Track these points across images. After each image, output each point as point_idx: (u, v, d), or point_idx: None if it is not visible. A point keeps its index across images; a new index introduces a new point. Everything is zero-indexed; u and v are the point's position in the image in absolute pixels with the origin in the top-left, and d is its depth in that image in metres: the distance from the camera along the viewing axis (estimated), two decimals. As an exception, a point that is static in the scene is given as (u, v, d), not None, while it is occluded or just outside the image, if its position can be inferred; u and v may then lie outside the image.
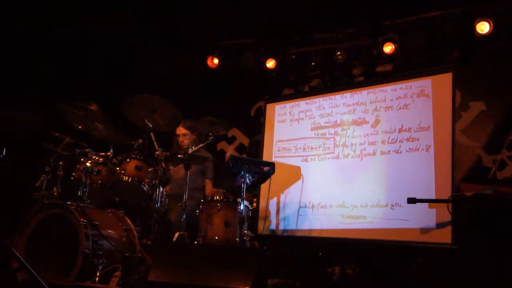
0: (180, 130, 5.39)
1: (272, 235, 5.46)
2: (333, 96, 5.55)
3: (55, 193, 4.52)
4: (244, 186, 4.41)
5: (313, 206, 5.29)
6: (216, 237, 4.38)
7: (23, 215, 4.12)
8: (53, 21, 6.02)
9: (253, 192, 5.35)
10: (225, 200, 4.55)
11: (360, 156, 5.14)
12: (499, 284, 3.49)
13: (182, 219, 4.56)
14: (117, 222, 4.34)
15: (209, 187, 5.44)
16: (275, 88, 6.78)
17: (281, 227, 5.44)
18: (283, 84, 6.83)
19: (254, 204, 5.39)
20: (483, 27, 5.30)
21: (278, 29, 6.39)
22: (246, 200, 4.54)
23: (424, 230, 4.55)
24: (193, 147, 5.13)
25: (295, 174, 5.47)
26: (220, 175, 4.98)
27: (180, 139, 5.44)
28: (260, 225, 5.40)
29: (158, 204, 4.57)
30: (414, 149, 4.83)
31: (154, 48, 6.62)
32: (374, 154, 5.06)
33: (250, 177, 4.48)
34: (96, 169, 4.54)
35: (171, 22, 6.34)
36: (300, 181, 5.44)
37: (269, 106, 6.01)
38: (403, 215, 4.70)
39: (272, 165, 4.72)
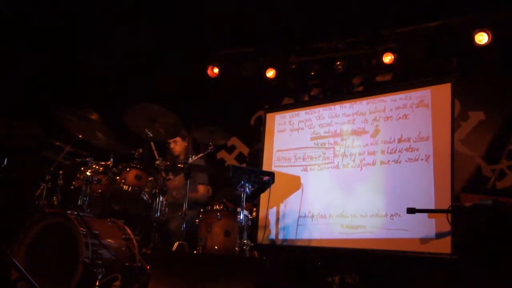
0: None
1: (271, 244, 5.46)
2: (332, 106, 5.58)
3: (55, 202, 4.52)
4: (244, 195, 4.42)
5: (312, 216, 5.30)
6: (216, 247, 4.38)
7: (23, 224, 4.12)
8: (54, 29, 6.05)
9: (253, 202, 5.35)
10: (224, 209, 4.55)
11: (360, 166, 5.15)
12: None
13: (182, 228, 4.56)
14: (117, 231, 4.33)
15: (200, 191, 5.42)
16: (275, 98, 6.81)
17: (280, 236, 5.44)
18: (283, 93, 6.85)
19: (254, 214, 5.40)
20: (482, 38, 5.33)
21: (278, 39, 6.42)
22: (246, 209, 4.54)
23: (423, 240, 4.55)
24: (193, 156, 5.14)
25: (294, 183, 5.48)
26: (220, 185, 5.00)
27: (171, 145, 5.47)
28: (260, 235, 5.41)
29: (158, 213, 4.57)
30: (413, 159, 4.84)
31: (154, 57, 6.65)
32: (373, 164, 5.08)
33: (250, 186, 4.49)
34: (96, 178, 4.53)
35: (171, 31, 6.38)
36: (299, 191, 5.45)
37: (269, 116, 6.03)
38: (403, 225, 4.70)
39: (272, 174, 4.73)
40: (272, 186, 4.79)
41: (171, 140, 5.44)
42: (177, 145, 5.47)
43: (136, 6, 6.02)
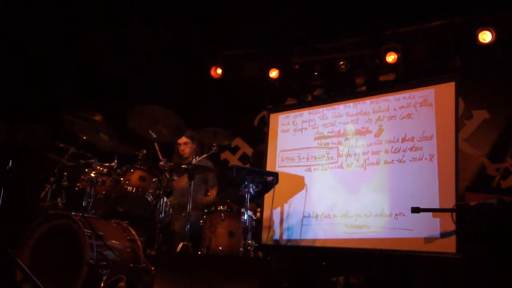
0: (181, 139, 5.41)
1: (276, 245, 5.45)
2: (336, 106, 5.57)
3: (60, 204, 4.52)
4: (248, 196, 4.43)
5: (317, 216, 5.29)
6: (220, 247, 4.38)
7: (27, 226, 4.13)
8: (57, 31, 6.07)
9: (257, 202, 5.36)
10: (229, 210, 4.55)
11: (364, 166, 5.14)
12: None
13: (186, 229, 4.56)
14: (121, 233, 4.34)
15: (212, 195, 5.46)
16: (278, 98, 6.81)
17: (285, 237, 5.44)
18: (286, 93, 6.86)
19: (258, 214, 5.40)
20: (485, 36, 5.33)
21: (281, 39, 6.42)
22: (250, 210, 4.54)
23: (428, 240, 4.53)
24: (196, 157, 5.16)
25: (298, 183, 5.47)
26: (224, 186, 5.00)
27: (181, 147, 5.47)
28: (264, 235, 5.40)
29: (162, 214, 4.58)
30: (417, 159, 4.83)
31: (157, 58, 6.66)
32: (377, 163, 5.07)
33: (254, 187, 4.49)
34: (100, 180, 4.54)
35: (175, 32, 6.39)
36: (303, 191, 5.44)
37: (272, 116, 6.02)
38: (407, 225, 4.69)
39: (275, 175, 4.73)
40: (276, 187, 4.78)
41: (181, 142, 5.45)
42: (187, 147, 5.47)
43: (139, 7, 6.03)
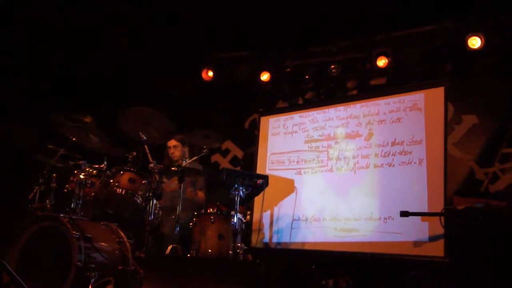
0: (171, 142, 5.40)
1: (265, 248, 5.46)
2: (326, 110, 5.59)
3: (48, 206, 4.50)
4: (237, 199, 4.42)
5: (306, 219, 5.31)
6: (210, 250, 4.37)
7: (15, 228, 4.10)
8: (48, 33, 6.04)
9: (247, 205, 5.35)
10: (218, 212, 4.55)
11: (353, 169, 5.17)
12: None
13: (176, 232, 4.55)
14: (110, 235, 4.32)
15: (200, 197, 5.44)
16: (269, 101, 6.81)
17: (274, 239, 5.44)
18: (277, 97, 6.86)
19: (248, 217, 5.39)
20: (475, 42, 5.35)
21: (273, 42, 6.43)
22: (240, 212, 4.54)
23: (416, 243, 4.56)
24: (186, 160, 5.14)
25: (288, 187, 5.49)
26: (214, 188, 5.00)
27: (171, 151, 5.46)
28: (254, 238, 5.41)
29: (152, 217, 4.56)
30: (406, 163, 4.86)
31: (148, 60, 6.64)
32: (367, 167, 5.09)
33: (243, 190, 4.49)
34: (89, 181, 4.52)
35: (166, 34, 6.38)
36: (293, 194, 5.45)
37: (263, 119, 6.03)
38: (396, 228, 4.72)
39: (265, 178, 4.73)
40: (266, 190, 4.78)
41: (171, 145, 5.44)
42: (177, 150, 5.45)
43: (130, 9, 6.02)
